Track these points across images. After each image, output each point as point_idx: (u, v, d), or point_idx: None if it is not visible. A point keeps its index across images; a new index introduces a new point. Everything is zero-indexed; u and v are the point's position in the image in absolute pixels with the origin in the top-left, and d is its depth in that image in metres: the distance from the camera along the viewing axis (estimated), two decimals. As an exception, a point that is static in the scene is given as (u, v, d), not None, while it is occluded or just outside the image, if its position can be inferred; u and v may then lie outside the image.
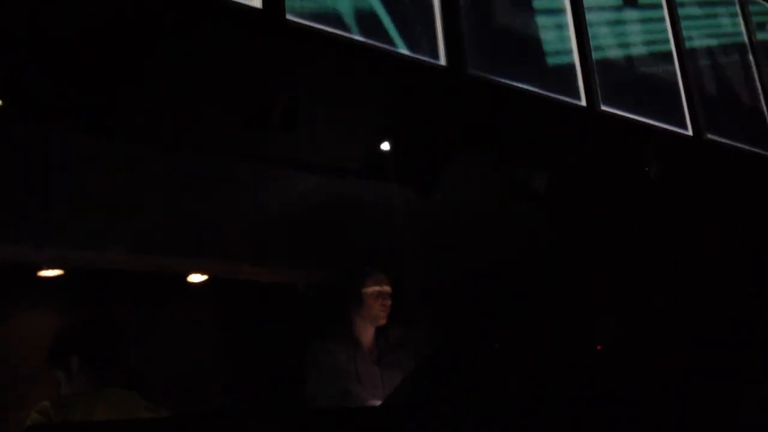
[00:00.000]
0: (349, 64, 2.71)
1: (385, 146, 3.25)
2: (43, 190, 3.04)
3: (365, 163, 3.30)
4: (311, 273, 4.23)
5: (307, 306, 4.10)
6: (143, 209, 3.29)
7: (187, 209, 3.42)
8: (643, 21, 3.67)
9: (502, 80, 2.96)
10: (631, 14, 3.63)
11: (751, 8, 4.24)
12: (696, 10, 3.94)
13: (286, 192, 3.51)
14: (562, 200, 3.61)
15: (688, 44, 3.78)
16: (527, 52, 3.15)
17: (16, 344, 3.46)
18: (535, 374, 3.35)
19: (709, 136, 3.63)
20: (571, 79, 3.24)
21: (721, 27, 4.08)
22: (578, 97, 3.22)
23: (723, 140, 3.70)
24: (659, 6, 3.78)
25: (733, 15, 4.17)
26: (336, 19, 2.57)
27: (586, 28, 3.34)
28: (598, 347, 4.15)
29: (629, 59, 3.51)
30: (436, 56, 2.83)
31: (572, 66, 3.27)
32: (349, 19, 2.60)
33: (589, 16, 3.38)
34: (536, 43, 3.17)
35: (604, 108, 3.27)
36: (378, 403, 2.93)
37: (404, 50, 2.72)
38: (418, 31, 2.79)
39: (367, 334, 3.20)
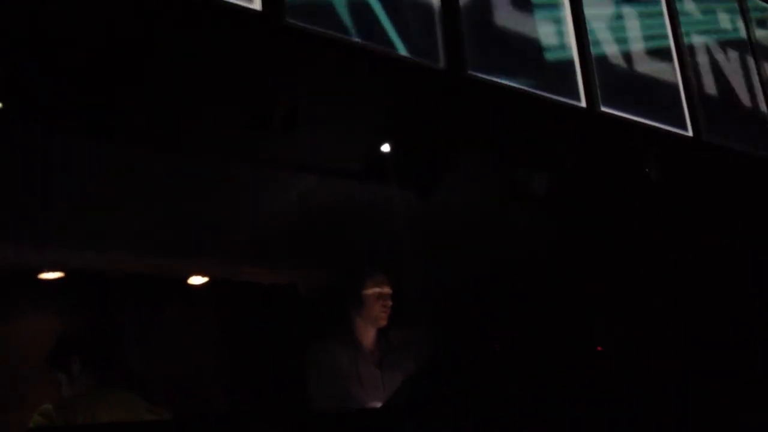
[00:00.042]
0: (349, 65, 2.70)
1: (385, 147, 3.25)
2: (43, 191, 3.04)
3: (365, 163, 3.30)
4: (311, 274, 4.22)
5: (308, 307, 4.09)
6: (143, 210, 3.29)
7: (187, 210, 3.41)
8: (643, 19, 3.67)
9: (502, 81, 2.96)
10: (630, 14, 3.63)
11: (749, 4, 4.23)
12: (693, 8, 3.94)
13: (286, 192, 3.51)
14: (562, 201, 3.61)
15: (687, 44, 3.78)
16: (527, 53, 3.15)
17: (16, 345, 3.46)
18: (536, 375, 3.35)
19: (709, 136, 3.63)
20: (570, 80, 3.24)
21: (721, 26, 4.08)
22: (578, 98, 3.22)
23: (722, 141, 3.70)
24: (658, 4, 3.77)
25: (733, 12, 4.16)
26: (336, 21, 2.57)
27: (586, 30, 3.34)
28: (599, 348, 4.15)
29: (629, 60, 3.51)
30: (436, 57, 2.83)
31: (572, 67, 3.26)
32: (348, 20, 2.60)
33: (589, 16, 3.38)
34: (536, 44, 3.17)
35: (603, 109, 3.26)
36: (379, 404, 2.93)
37: (404, 52, 2.72)
38: (417, 33, 2.78)
39: (367, 335, 3.20)
